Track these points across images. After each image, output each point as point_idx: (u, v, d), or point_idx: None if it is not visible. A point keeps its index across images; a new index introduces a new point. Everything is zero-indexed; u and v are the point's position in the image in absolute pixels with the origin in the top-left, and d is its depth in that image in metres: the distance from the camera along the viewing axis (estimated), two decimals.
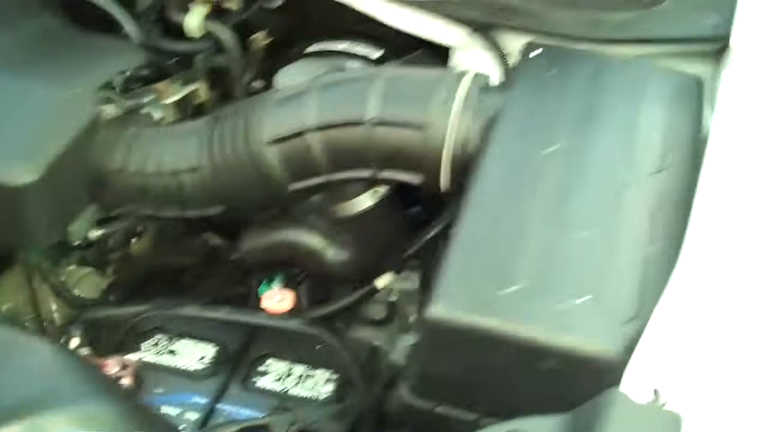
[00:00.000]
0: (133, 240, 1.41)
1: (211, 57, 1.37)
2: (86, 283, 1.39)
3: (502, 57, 1.16)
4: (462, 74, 1.04)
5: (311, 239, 1.21)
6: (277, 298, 1.21)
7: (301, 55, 1.42)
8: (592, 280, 0.85)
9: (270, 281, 1.31)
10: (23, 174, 1.08)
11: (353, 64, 1.40)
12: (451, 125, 1.01)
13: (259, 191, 1.12)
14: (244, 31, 1.44)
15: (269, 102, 1.11)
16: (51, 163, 1.09)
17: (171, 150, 1.15)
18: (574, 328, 0.82)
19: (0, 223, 1.12)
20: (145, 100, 1.23)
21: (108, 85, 1.21)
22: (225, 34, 1.31)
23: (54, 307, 1.35)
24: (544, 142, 0.97)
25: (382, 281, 1.24)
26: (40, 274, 1.28)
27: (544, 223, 0.90)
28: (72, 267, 1.38)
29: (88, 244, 1.33)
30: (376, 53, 1.40)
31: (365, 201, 1.15)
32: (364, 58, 1.40)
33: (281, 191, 1.12)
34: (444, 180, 1.04)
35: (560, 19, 1.11)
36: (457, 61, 1.25)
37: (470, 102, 1.02)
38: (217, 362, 1.14)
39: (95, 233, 1.29)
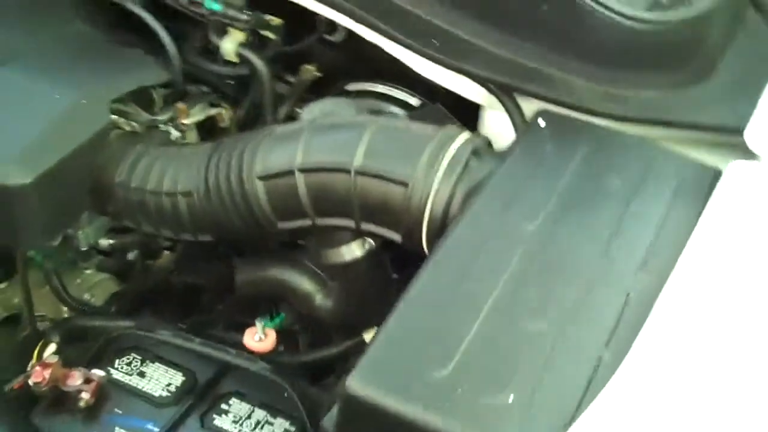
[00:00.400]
0: (166, 253, 1.42)
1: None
2: (100, 289, 1.40)
3: (521, 121, 1.10)
4: (455, 134, 0.99)
5: (301, 281, 1.18)
6: (257, 337, 1.17)
7: (340, 92, 1.40)
8: (531, 377, 0.77)
9: (275, 317, 1.28)
10: (17, 175, 1.08)
11: (390, 108, 1.36)
12: (434, 186, 0.96)
13: (248, 225, 1.09)
14: (295, 60, 1.43)
15: (267, 136, 1.08)
16: (48, 168, 1.10)
17: (172, 170, 1.14)
18: (497, 429, 0.74)
19: None
20: (162, 117, 1.23)
21: (127, 98, 1.22)
22: (258, 62, 1.29)
23: (65, 308, 1.37)
24: (523, 219, 0.90)
25: (369, 335, 1.20)
26: (45, 276, 1.30)
27: (498, 306, 0.83)
28: (90, 271, 1.40)
29: (108, 251, 1.34)
30: (416, 100, 1.36)
31: (354, 251, 1.10)
32: (404, 104, 1.36)
33: (269, 229, 1.09)
34: (424, 242, 0.99)
35: (579, 90, 1.03)
36: (484, 119, 1.19)
37: (457, 165, 0.96)
38: (183, 392, 1.11)
39: (107, 241, 1.30)
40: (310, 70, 1.43)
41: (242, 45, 1.30)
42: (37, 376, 1.09)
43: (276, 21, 1.31)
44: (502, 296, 0.83)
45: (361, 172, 0.99)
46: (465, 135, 0.99)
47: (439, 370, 0.77)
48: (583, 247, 0.88)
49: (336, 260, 1.11)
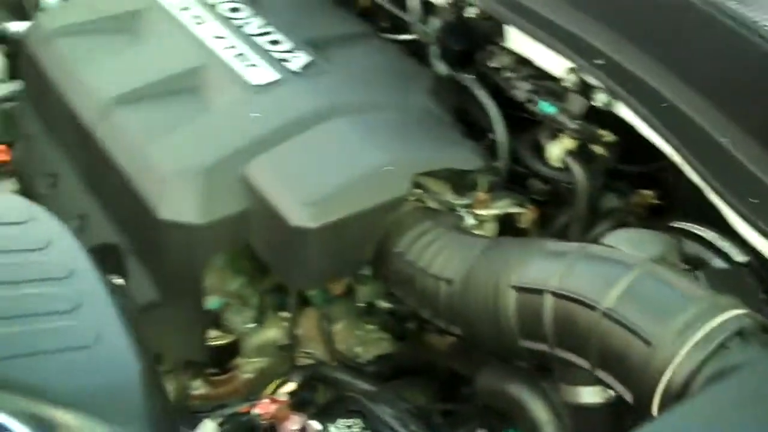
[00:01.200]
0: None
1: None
2: (373, 346, 1.42)
3: None
4: (725, 306, 0.85)
5: (536, 407, 1.08)
6: None
7: (664, 226, 1.29)
8: None
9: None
10: (305, 218, 1.14)
11: (711, 258, 1.22)
12: (679, 356, 0.83)
13: (493, 331, 1.05)
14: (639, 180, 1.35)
15: (535, 249, 1.03)
16: (335, 220, 1.14)
17: (444, 255, 1.13)
18: None
19: (277, 257, 1.20)
20: (460, 202, 1.23)
21: (442, 175, 1.23)
22: (580, 174, 1.24)
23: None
24: (763, 425, 0.74)
25: None
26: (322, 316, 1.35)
27: None
28: (371, 327, 1.43)
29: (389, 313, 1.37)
30: (742, 256, 1.21)
31: (593, 395, 0.99)
32: (726, 256, 1.21)
33: (511, 342, 1.03)
34: (656, 411, 0.86)
35: None
36: None
37: (712, 340, 0.83)
38: None
39: (383, 304, 1.32)
40: (646, 196, 1.34)
41: (569, 152, 1.25)
42: (262, 408, 1.13)
43: (609, 137, 1.24)
44: None
45: (607, 315, 0.89)
46: (736, 311, 0.85)
47: None
48: None
49: (571, 399, 1.02)
